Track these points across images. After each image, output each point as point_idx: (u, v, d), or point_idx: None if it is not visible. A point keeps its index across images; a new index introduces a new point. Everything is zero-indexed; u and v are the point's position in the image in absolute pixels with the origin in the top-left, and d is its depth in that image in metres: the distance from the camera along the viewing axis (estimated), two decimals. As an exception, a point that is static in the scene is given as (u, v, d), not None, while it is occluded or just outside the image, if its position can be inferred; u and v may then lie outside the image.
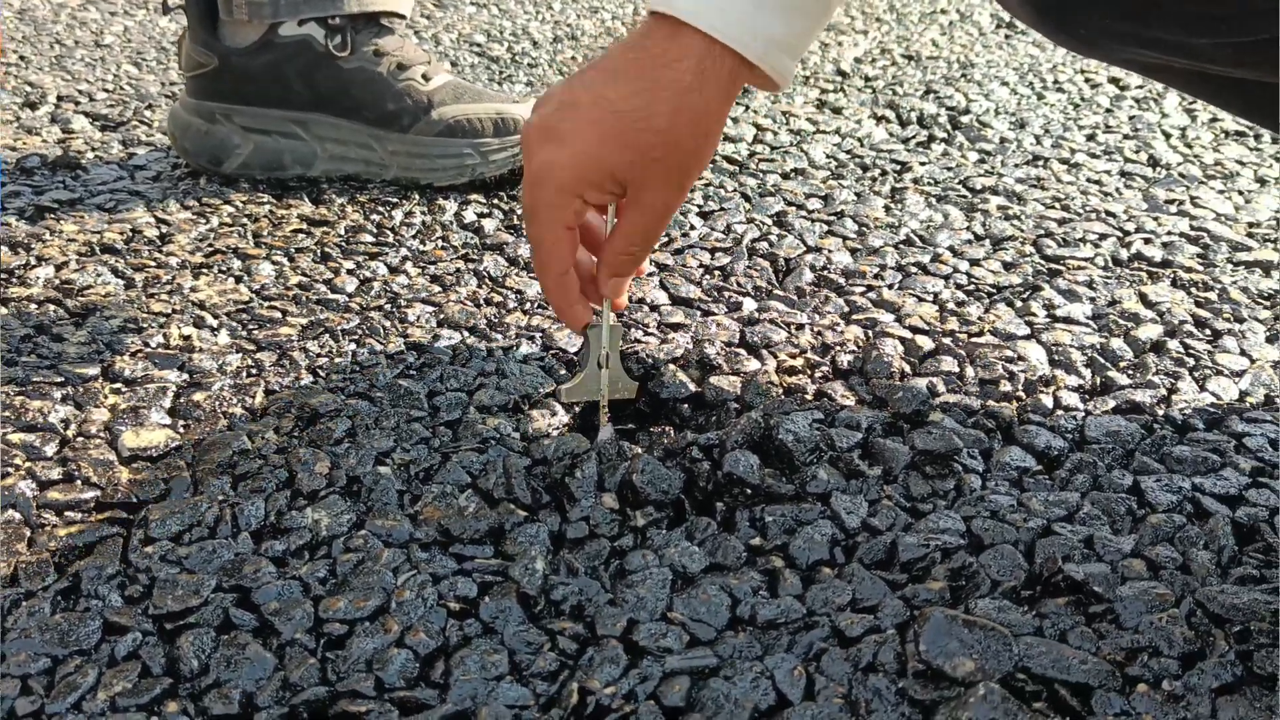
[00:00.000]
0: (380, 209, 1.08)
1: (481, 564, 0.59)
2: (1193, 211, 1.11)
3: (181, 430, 0.71)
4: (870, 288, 0.93)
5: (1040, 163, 1.26)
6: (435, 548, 0.60)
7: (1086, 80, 1.60)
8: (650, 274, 0.94)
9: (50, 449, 0.68)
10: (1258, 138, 1.34)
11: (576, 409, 0.73)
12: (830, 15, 0.62)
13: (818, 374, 0.78)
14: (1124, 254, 1.00)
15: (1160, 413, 0.74)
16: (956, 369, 0.79)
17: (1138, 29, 0.60)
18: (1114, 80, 1.59)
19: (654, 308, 0.88)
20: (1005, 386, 0.77)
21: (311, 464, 0.66)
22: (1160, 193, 1.16)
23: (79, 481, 0.65)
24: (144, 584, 0.57)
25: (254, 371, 0.78)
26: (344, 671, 0.52)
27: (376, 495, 0.64)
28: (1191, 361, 0.81)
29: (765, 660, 0.52)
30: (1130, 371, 0.79)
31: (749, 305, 0.89)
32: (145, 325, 0.84)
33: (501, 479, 0.65)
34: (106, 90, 1.50)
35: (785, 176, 1.20)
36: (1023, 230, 1.06)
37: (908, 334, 0.84)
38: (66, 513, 0.62)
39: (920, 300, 0.90)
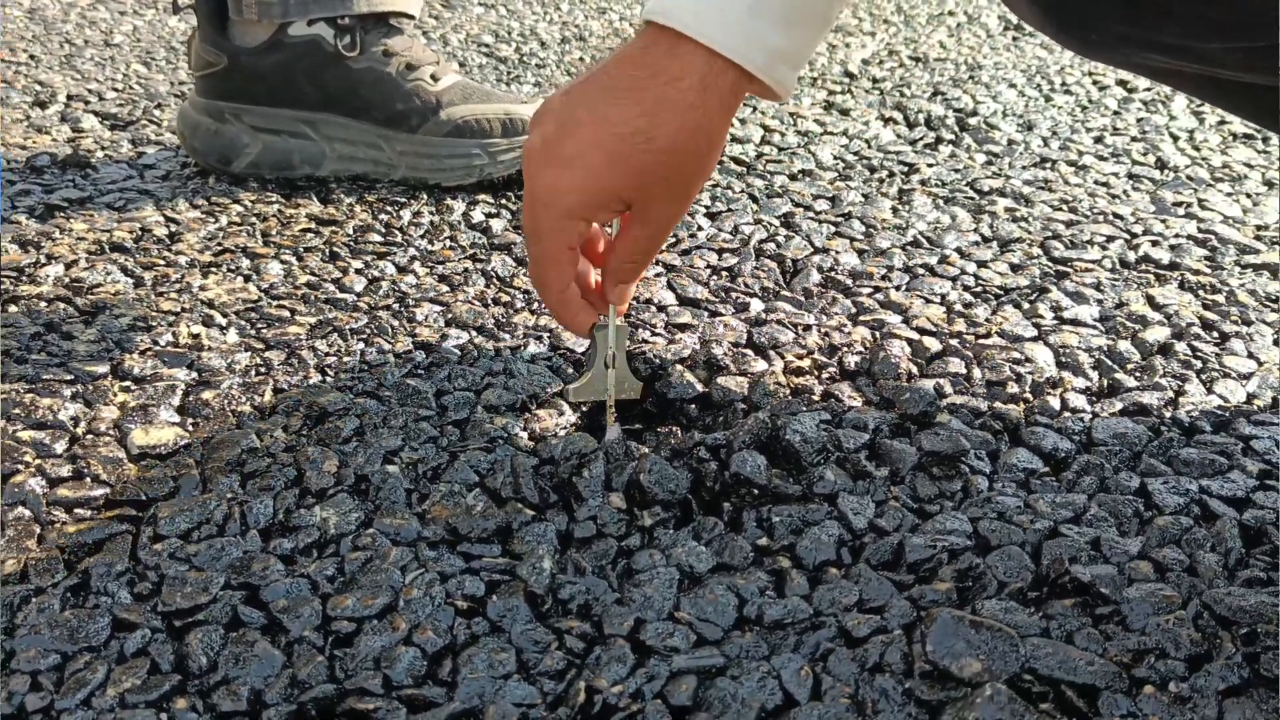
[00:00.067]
0: (388, 209, 1.09)
1: (489, 563, 0.59)
2: (1200, 214, 1.11)
3: (190, 428, 0.71)
4: (877, 289, 0.93)
5: (1048, 165, 1.26)
6: (443, 546, 0.60)
7: (1094, 83, 1.60)
8: (657, 274, 0.94)
9: (60, 446, 0.68)
10: (1266, 140, 1.34)
11: (584, 408, 0.74)
12: (830, 25, 0.62)
13: (825, 375, 0.78)
14: (1131, 256, 1.00)
15: (1167, 415, 0.74)
16: (964, 370, 0.79)
17: (1148, 34, 0.60)
18: (1122, 83, 1.59)
19: (661, 308, 0.88)
20: (1012, 388, 0.77)
21: (320, 462, 0.66)
22: (1168, 195, 1.16)
23: (88, 479, 0.65)
24: (153, 581, 0.57)
25: (263, 370, 0.78)
26: (352, 669, 0.52)
27: (384, 494, 0.64)
28: (1199, 364, 0.80)
29: (772, 660, 0.52)
30: (1137, 374, 0.79)
31: (756, 306, 0.89)
32: (154, 323, 0.84)
33: (509, 478, 0.65)
34: (116, 89, 1.51)
35: (793, 177, 1.20)
36: (1030, 232, 1.06)
37: (915, 335, 0.84)
38: (76, 510, 0.63)
39: (927, 302, 0.91)
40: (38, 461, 0.66)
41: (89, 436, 0.69)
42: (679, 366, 0.78)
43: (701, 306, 0.89)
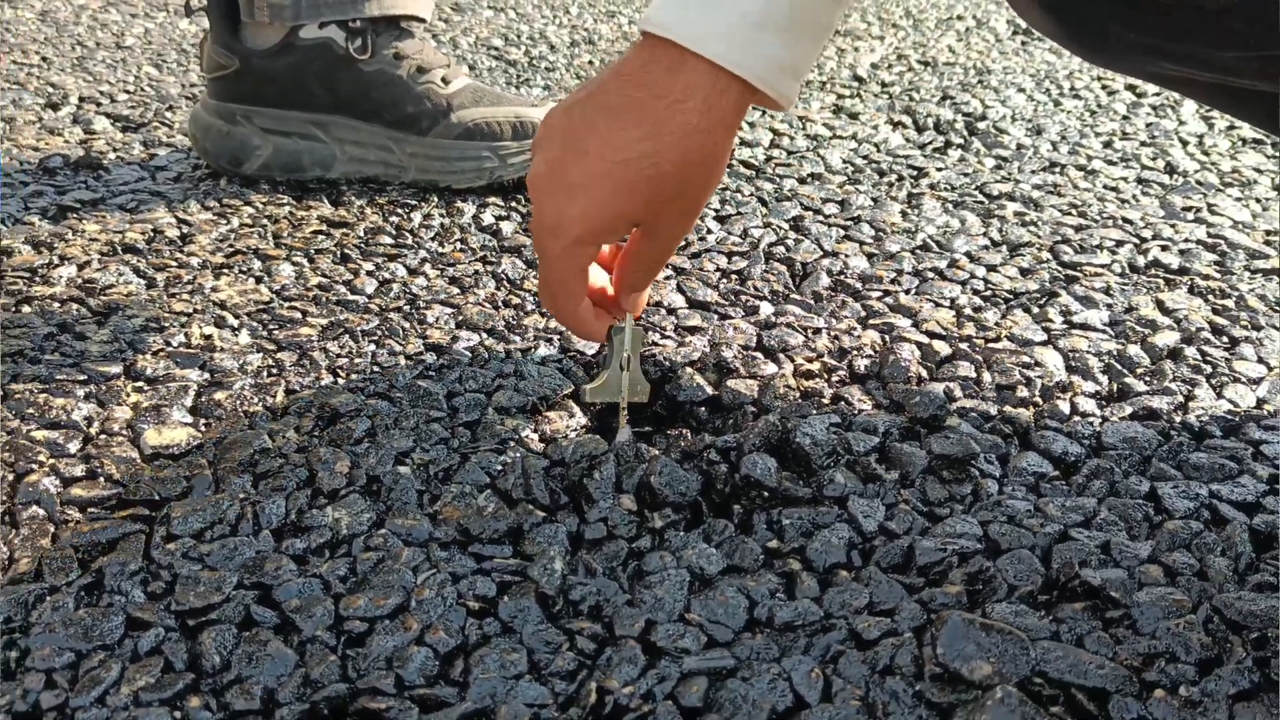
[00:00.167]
0: (399, 211, 1.09)
1: (500, 564, 0.59)
2: (1210, 219, 1.11)
3: (203, 429, 0.71)
4: (887, 293, 0.93)
5: (1057, 169, 1.26)
6: (454, 547, 0.61)
7: (1103, 87, 1.60)
8: (667, 278, 0.94)
9: (73, 446, 0.69)
10: (1275, 145, 1.33)
11: (594, 409, 0.74)
12: (830, 35, 0.62)
13: (835, 378, 0.79)
14: (1141, 261, 1.00)
15: (1177, 419, 0.74)
16: (973, 374, 0.79)
17: (1159, 42, 0.59)
18: (1131, 87, 1.59)
19: (671, 311, 0.88)
20: (1022, 392, 0.77)
21: (332, 463, 0.67)
22: (1177, 200, 1.16)
23: (102, 478, 0.66)
24: (166, 580, 0.57)
25: (274, 371, 0.78)
26: (364, 669, 0.52)
27: (396, 495, 0.64)
28: (1209, 368, 0.80)
29: (783, 662, 0.52)
30: (1147, 378, 0.79)
31: (766, 309, 0.89)
32: (167, 324, 0.84)
33: (520, 479, 0.65)
34: (128, 92, 1.52)
35: (802, 181, 1.21)
36: (1040, 236, 1.06)
37: (924, 339, 0.84)
38: (89, 509, 0.63)
39: (937, 305, 0.91)
40: (51, 461, 0.67)
41: (102, 436, 0.70)
42: (689, 369, 0.78)
43: (711, 310, 0.89)
